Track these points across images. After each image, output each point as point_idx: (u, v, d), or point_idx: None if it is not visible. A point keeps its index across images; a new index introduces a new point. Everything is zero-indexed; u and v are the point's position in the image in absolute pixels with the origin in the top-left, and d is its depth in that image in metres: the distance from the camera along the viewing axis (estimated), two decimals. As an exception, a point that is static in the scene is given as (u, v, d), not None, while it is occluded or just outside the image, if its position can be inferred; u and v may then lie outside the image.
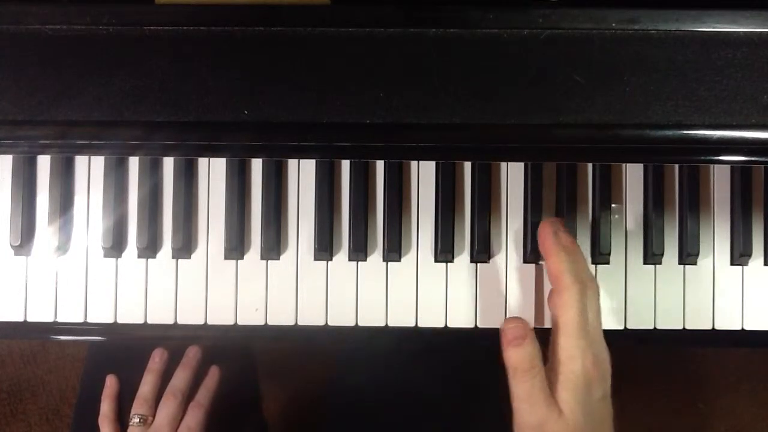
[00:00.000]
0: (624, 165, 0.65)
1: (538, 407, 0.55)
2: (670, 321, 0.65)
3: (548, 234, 0.59)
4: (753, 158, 0.55)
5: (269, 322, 0.64)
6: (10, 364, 1.27)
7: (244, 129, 0.53)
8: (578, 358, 0.56)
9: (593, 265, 0.66)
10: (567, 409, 0.55)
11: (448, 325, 0.64)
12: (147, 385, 0.72)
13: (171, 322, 0.65)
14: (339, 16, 0.53)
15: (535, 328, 0.60)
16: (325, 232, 0.64)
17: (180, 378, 0.73)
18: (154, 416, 0.71)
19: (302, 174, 0.65)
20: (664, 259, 0.65)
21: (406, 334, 0.65)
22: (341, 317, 0.64)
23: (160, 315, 0.64)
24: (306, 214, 0.65)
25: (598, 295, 0.59)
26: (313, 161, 0.65)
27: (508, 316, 0.64)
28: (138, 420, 0.70)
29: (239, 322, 0.64)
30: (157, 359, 0.74)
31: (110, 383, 0.75)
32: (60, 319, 0.64)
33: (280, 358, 1.22)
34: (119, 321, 0.64)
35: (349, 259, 0.65)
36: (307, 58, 0.52)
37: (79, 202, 0.65)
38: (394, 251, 0.64)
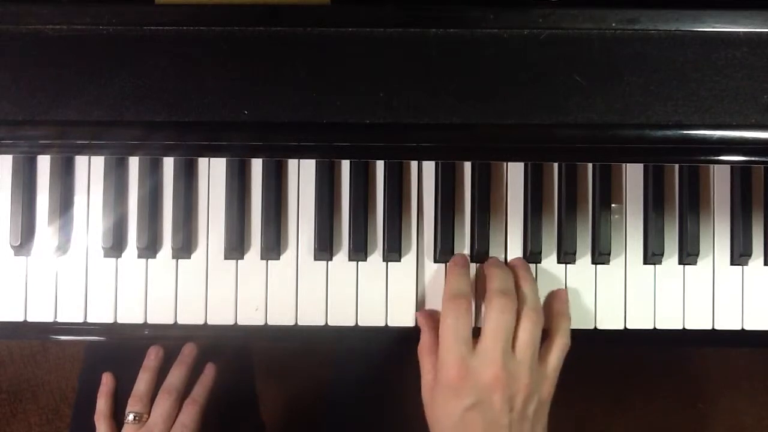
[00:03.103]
0: (624, 165, 0.65)
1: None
2: (669, 321, 0.65)
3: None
4: (753, 158, 0.55)
5: (269, 322, 0.64)
6: (10, 364, 1.27)
7: (244, 129, 0.53)
8: (444, 363, 0.59)
9: (593, 265, 0.66)
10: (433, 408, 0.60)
11: (448, 325, 0.64)
12: (142, 383, 0.72)
13: (171, 322, 0.65)
14: (339, 16, 0.53)
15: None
16: (325, 232, 0.64)
17: (175, 375, 0.72)
18: (149, 414, 0.71)
19: (302, 174, 0.65)
20: (664, 259, 0.65)
21: (406, 334, 0.64)
22: (341, 317, 0.64)
23: (160, 315, 0.64)
24: (306, 214, 0.65)
25: (532, 321, 0.60)
26: (313, 161, 0.64)
27: None
28: (133, 417, 0.70)
29: (239, 322, 0.64)
30: (152, 357, 0.73)
31: (106, 381, 0.75)
32: (60, 319, 0.64)
33: (278, 357, 1.22)
34: (119, 321, 0.64)
35: (349, 259, 0.65)
36: (307, 58, 0.52)
37: (79, 202, 0.65)
38: (394, 251, 0.64)
